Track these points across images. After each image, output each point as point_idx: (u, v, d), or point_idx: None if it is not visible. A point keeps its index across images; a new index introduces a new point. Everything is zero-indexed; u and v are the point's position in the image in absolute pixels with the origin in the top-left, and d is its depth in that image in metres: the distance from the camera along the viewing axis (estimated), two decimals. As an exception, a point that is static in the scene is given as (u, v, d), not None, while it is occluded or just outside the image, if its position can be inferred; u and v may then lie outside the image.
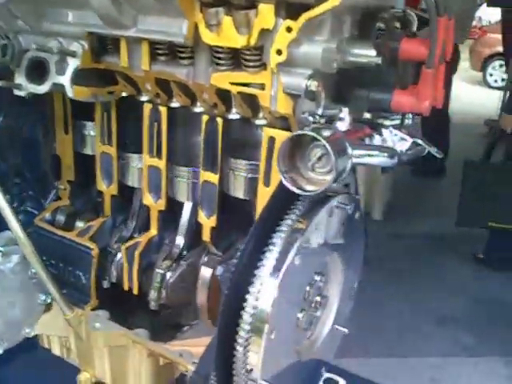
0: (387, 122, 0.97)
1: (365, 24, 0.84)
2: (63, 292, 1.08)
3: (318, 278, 0.91)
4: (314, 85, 0.76)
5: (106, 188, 1.11)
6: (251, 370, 0.80)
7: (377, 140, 0.83)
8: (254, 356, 0.78)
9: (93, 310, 1.07)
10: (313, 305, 0.92)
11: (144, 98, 1.00)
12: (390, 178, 3.65)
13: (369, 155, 0.74)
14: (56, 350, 1.19)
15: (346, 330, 1.05)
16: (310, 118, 0.75)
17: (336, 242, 0.93)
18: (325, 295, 0.96)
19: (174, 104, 0.97)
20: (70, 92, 0.94)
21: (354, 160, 0.70)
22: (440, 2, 0.75)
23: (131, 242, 1.05)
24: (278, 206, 0.80)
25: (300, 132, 0.67)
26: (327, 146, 0.64)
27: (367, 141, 0.78)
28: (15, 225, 0.94)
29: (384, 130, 0.86)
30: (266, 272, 0.78)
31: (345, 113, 0.74)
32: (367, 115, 0.87)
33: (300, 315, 0.88)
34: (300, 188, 0.69)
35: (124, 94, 1.02)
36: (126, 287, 1.07)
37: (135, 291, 1.05)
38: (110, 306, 1.08)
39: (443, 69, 0.85)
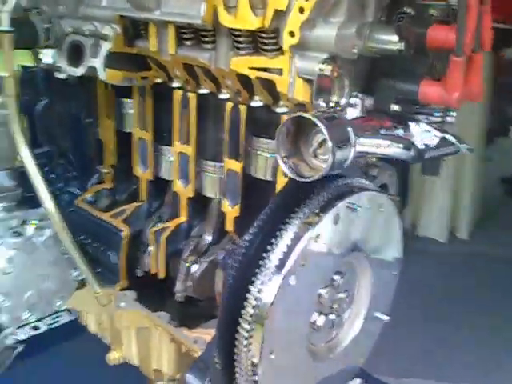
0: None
1: (392, 9, 0.78)
2: (98, 271, 1.13)
3: (337, 277, 0.87)
4: (328, 69, 0.72)
5: (142, 173, 1.13)
6: (255, 364, 0.78)
7: (401, 132, 0.77)
8: (256, 350, 0.76)
9: (122, 290, 1.09)
10: (332, 306, 0.89)
11: (175, 85, 1.00)
12: (479, 192, 3.22)
13: (379, 145, 0.69)
14: (92, 328, 1.23)
15: (386, 318, 0.99)
16: (323, 104, 0.72)
17: (363, 241, 0.88)
18: (347, 296, 0.91)
19: (202, 90, 0.96)
20: (102, 75, 0.96)
21: (361, 148, 0.66)
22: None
23: (160, 227, 1.06)
24: (290, 198, 0.77)
25: (296, 114, 0.64)
26: (323, 128, 0.60)
27: (383, 131, 0.73)
28: (48, 202, 0.98)
29: (412, 124, 0.81)
30: (271, 265, 0.75)
31: (356, 99, 0.69)
32: (395, 107, 0.81)
33: (314, 315, 0.84)
34: (298, 174, 0.66)
35: (158, 81, 1.04)
36: (153, 271, 1.08)
37: (161, 275, 1.07)
38: (139, 289, 1.11)
39: (480, 59, 0.78)
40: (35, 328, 1.59)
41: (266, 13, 0.74)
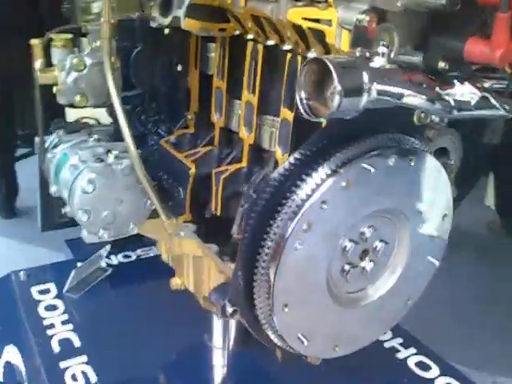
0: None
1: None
2: (170, 204, 1.27)
3: (367, 230, 0.90)
4: (365, 20, 0.74)
5: (217, 120, 1.23)
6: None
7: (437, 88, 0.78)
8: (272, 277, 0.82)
9: (185, 222, 1.21)
10: (363, 257, 0.92)
11: (249, 37, 1.08)
12: None
13: (400, 94, 0.70)
14: (163, 256, 1.37)
15: (436, 262, 1.00)
16: (357, 54, 0.75)
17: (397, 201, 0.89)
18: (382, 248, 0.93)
19: (269, 42, 1.03)
20: (183, 23, 1.07)
21: (377, 96, 0.68)
22: None
23: (221, 169, 1.16)
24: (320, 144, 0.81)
25: (312, 56, 0.68)
26: (332, 69, 0.64)
27: (411, 83, 0.74)
28: (128, 136, 1.11)
29: (457, 83, 0.80)
30: (293, 204, 0.80)
31: (384, 48, 0.71)
32: (442, 64, 0.81)
33: (340, 261, 0.89)
34: (313, 114, 0.70)
35: (236, 33, 1.12)
36: (213, 209, 1.18)
37: (218, 213, 1.16)
38: (202, 224, 1.22)
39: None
40: (126, 256, 1.81)
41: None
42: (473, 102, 0.78)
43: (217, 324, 1.37)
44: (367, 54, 0.72)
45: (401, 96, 0.72)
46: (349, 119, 0.74)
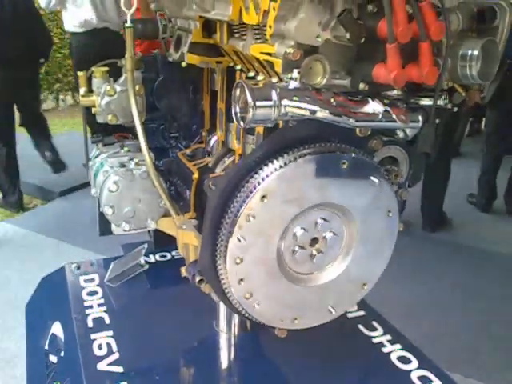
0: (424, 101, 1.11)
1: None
2: (181, 204, 1.53)
3: (320, 221, 1.11)
4: (291, 52, 0.98)
5: (219, 135, 1.49)
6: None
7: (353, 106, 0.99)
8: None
9: (190, 218, 1.47)
10: (313, 243, 1.13)
11: (237, 67, 1.33)
12: None
13: (307, 109, 0.92)
14: (179, 249, 1.63)
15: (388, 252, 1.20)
16: (285, 79, 0.98)
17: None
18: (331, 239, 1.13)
19: (250, 73, 1.27)
20: (186, 58, 1.35)
21: (287, 110, 0.91)
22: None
23: (215, 174, 1.41)
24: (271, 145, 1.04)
25: (238, 81, 0.92)
26: (245, 87, 0.88)
27: (323, 101, 0.95)
28: (144, 148, 1.39)
29: (371, 100, 1.01)
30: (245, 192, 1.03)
31: (295, 73, 0.94)
32: (362, 85, 1.03)
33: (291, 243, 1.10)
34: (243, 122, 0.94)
35: (231, 64, 1.38)
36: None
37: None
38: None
39: (427, 46, 0.95)
40: (162, 256, 2.09)
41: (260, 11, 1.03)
42: (380, 116, 0.98)
43: (221, 309, 1.60)
44: (285, 79, 0.95)
45: (313, 111, 0.94)
46: (297, 130, 0.97)
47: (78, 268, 1.97)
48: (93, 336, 1.58)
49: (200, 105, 1.60)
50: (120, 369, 1.45)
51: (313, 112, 0.94)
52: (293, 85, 0.94)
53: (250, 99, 0.89)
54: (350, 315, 1.73)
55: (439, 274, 3.66)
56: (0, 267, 3.77)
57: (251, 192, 1.02)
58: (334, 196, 1.09)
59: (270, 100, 0.90)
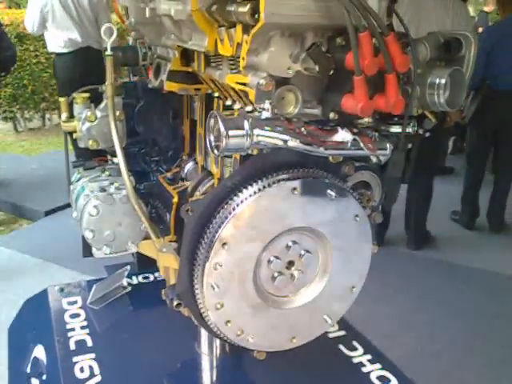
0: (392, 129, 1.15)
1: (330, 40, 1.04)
2: (161, 226, 1.56)
3: (292, 244, 1.13)
4: (262, 83, 1.01)
5: (200, 159, 1.52)
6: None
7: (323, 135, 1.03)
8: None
9: (170, 241, 1.49)
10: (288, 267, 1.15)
11: (215, 95, 1.37)
12: None
13: (279, 138, 0.96)
14: (161, 271, 1.65)
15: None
16: (258, 109, 1.02)
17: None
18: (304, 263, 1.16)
19: (227, 102, 1.31)
20: (165, 85, 1.38)
21: (259, 138, 0.94)
22: (357, 17, 0.92)
23: (194, 198, 1.44)
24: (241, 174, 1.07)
25: (211, 112, 0.96)
26: (218, 118, 0.91)
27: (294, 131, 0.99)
28: (124, 172, 1.42)
29: (340, 129, 1.05)
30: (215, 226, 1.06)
31: (267, 104, 0.98)
32: (332, 115, 1.07)
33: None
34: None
35: (209, 91, 1.42)
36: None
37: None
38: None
39: (393, 78, 0.99)
40: (145, 277, 2.11)
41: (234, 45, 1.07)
42: (349, 144, 1.02)
43: (203, 332, 1.61)
44: (257, 109, 0.99)
45: (284, 140, 0.97)
46: (270, 157, 1.01)
47: (62, 290, 1.97)
48: (75, 359, 1.59)
49: (180, 129, 1.64)
50: (101, 392, 1.46)
51: (284, 141, 0.97)
52: (265, 115, 0.97)
53: (222, 129, 0.92)
54: (330, 335, 1.76)
55: (423, 291, 3.69)
56: (-16, 288, 3.75)
57: (226, 218, 1.04)
58: (297, 220, 1.11)
59: (243, 129, 0.94)
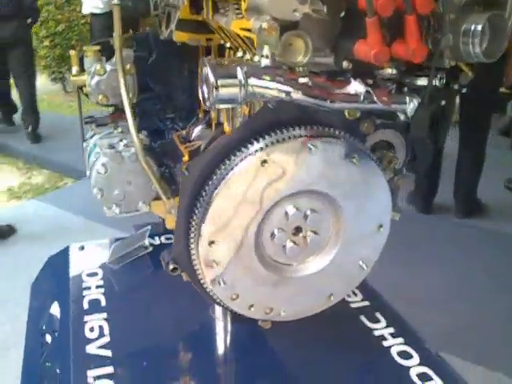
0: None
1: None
2: (173, 187, 1.49)
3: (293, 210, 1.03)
4: (265, 28, 0.90)
5: (213, 116, 1.43)
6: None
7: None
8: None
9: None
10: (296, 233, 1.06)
11: (227, 45, 1.26)
12: None
13: (275, 88, 0.85)
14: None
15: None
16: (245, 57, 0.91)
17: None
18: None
19: (238, 53, 1.20)
20: (174, 36, 1.28)
21: (255, 89, 0.84)
22: None
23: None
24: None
25: (202, 59, 0.85)
26: (207, 66, 0.81)
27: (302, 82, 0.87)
28: (132, 129, 1.34)
29: (354, 81, 0.93)
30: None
31: (266, 50, 0.86)
32: (345, 64, 0.94)
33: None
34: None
35: (222, 42, 1.31)
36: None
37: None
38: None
39: (413, 20, 0.86)
40: (167, 238, 2.06)
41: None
42: (361, 97, 0.90)
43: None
44: (256, 58, 0.88)
45: (283, 92, 0.86)
46: (280, 111, 0.91)
47: (82, 248, 1.96)
48: (86, 318, 1.56)
49: (196, 84, 1.54)
50: (108, 352, 1.43)
51: (285, 92, 0.86)
52: (264, 63, 0.86)
53: (211, 78, 0.82)
54: (353, 305, 1.67)
55: (469, 259, 3.51)
56: (28, 244, 3.84)
57: (223, 179, 0.96)
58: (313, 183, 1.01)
59: (235, 78, 0.83)
